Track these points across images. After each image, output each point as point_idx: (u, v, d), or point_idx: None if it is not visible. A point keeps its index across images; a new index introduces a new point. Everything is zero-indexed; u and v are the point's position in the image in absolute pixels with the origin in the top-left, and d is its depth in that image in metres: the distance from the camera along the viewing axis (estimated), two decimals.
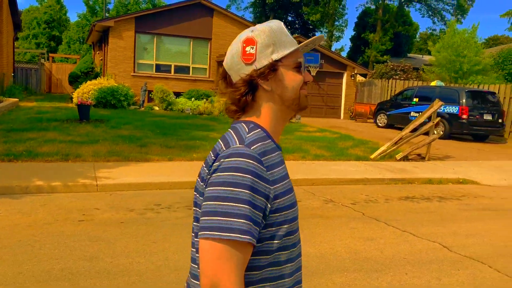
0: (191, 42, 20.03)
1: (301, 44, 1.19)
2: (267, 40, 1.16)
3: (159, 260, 3.95)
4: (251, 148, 1.09)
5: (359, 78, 22.94)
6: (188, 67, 20.14)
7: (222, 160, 1.08)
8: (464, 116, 14.13)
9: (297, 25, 40.13)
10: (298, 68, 1.19)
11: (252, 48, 1.16)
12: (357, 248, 4.58)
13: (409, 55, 39.03)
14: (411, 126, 10.04)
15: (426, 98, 15.47)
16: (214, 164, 1.09)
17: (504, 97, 16.22)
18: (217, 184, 1.05)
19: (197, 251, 1.15)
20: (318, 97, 21.24)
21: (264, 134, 1.15)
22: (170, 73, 19.86)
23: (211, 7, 20.05)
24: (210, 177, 1.09)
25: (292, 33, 35.99)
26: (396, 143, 10.02)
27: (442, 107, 14.79)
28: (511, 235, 5.33)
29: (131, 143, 9.08)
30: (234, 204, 1.02)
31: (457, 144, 13.65)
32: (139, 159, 7.94)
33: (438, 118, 10.30)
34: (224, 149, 1.10)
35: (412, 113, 15.44)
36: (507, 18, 15.44)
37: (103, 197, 5.99)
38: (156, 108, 17.70)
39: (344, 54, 37.34)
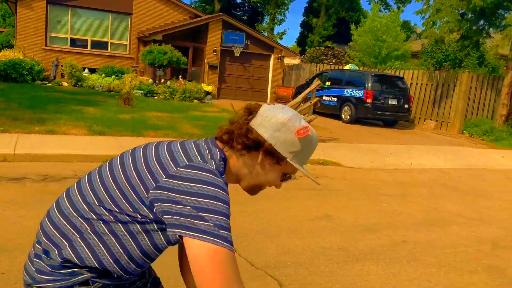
0: (110, 16, 19.13)
1: (303, 171, 1.30)
2: (302, 144, 1.26)
3: None
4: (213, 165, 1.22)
5: (289, 61, 22.60)
6: (107, 43, 19.26)
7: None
8: (369, 101, 13.94)
9: (246, 8, 39.44)
10: (284, 175, 1.33)
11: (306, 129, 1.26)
12: None
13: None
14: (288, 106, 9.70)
15: (338, 81, 15.29)
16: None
17: (417, 83, 16.20)
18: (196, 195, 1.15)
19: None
20: (243, 79, 20.79)
21: (222, 169, 1.24)
22: (87, 48, 18.93)
23: None
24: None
25: (241, 16, 35.20)
26: None
27: (349, 91, 14.66)
28: (281, 215, 5.04)
29: None
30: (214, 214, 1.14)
31: (358, 129, 13.48)
32: None
33: (317, 98, 9.99)
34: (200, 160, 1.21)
35: (325, 97, 15.14)
36: (422, 15, 15.08)
37: None
38: (65, 84, 16.82)
39: (293, 39, 36.87)
